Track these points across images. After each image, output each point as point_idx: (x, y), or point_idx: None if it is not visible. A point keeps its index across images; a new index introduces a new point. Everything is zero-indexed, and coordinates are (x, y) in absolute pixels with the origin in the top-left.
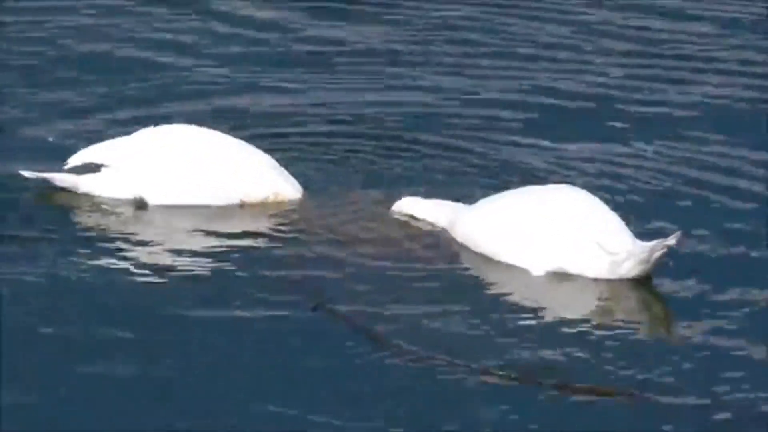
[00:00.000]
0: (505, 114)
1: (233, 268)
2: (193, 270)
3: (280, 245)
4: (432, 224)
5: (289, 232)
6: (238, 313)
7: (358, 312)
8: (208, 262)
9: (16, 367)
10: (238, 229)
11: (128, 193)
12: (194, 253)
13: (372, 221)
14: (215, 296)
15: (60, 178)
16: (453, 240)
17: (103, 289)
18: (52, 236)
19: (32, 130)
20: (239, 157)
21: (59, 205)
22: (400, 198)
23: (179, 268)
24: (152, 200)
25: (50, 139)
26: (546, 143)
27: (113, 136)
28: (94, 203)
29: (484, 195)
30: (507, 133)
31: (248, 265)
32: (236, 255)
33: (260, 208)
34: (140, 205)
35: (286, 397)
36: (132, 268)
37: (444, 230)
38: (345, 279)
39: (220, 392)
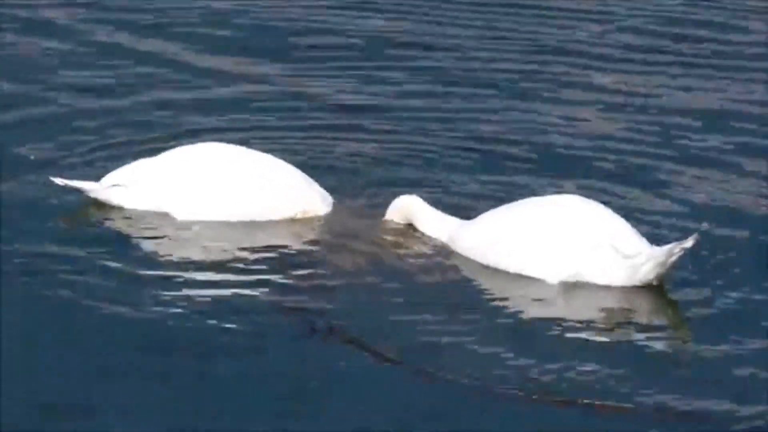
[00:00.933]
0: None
1: (237, 285)
2: (194, 283)
3: (295, 262)
4: (431, 237)
5: (306, 248)
6: (235, 331)
7: (366, 329)
8: (214, 277)
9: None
10: (256, 246)
11: (156, 206)
12: (200, 267)
13: (385, 236)
14: (214, 312)
15: (91, 188)
16: (456, 254)
17: (115, 300)
18: (79, 247)
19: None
20: (266, 173)
21: (88, 216)
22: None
23: (186, 280)
24: (180, 215)
25: (31, 157)
26: (540, 151)
27: (142, 157)
28: (122, 215)
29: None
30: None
31: (256, 283)
32: (245, 272)
33: (288, 223)
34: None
35: (289, 415)
36: (145, 281)
37: (444, 244)
38: (351, 295)
39: (212, 404)
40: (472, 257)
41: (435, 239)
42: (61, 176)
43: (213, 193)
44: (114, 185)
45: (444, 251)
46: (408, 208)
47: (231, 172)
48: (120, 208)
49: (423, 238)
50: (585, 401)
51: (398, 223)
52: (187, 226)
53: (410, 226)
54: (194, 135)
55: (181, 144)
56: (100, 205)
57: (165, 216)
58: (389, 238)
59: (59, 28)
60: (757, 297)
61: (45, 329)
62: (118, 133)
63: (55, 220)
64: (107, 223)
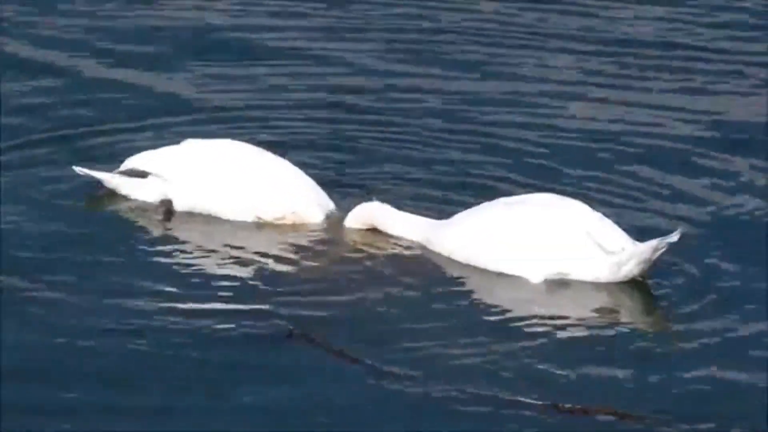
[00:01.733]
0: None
1: (217, 287)
2: (169, 283)
3: (277, 266)
4: (404, 240)
5: (290, 252)
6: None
7: (348, 334)
8: (190, 277)
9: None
10: (239, 246)
11: (159, 198)
12: (179, 266)
13: (361, 240)
14: (192, 315)
15: (106, 179)
16: (435, 254)
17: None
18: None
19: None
20: (261, 173)
21: (98, 204)
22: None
23: (162, 279)
24: (178, 207)
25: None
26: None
27: (163, 144)
28: (128, 205)
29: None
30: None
31: (235, 286)
32: (225, 274)
33: (279, 227)
34: (168, 212)
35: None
36: (122, 277)
37: (419, 245)
38: (331, 301)
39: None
40: (452, 257)
41: (409, 241)
42: (81, 166)
43: (204, 189)
44: (124, 175)
45: (421, 253)
46: (371, 215)
47: (224, 169)
48: (127, 199)
49: (397, 241)
50: (568, 401)
51: (359, 230)
52: (183, 220)
53: (374, 230)
54: (201, 133)
55: (194, 136)
56: (111, 194)
57: (163, 208)
58: (366, 242)
59: (61, 25)
60: (743, 291)
61: (38, 322)
62: (129, 124)
63: (58, 210)
64: (108, 214)
